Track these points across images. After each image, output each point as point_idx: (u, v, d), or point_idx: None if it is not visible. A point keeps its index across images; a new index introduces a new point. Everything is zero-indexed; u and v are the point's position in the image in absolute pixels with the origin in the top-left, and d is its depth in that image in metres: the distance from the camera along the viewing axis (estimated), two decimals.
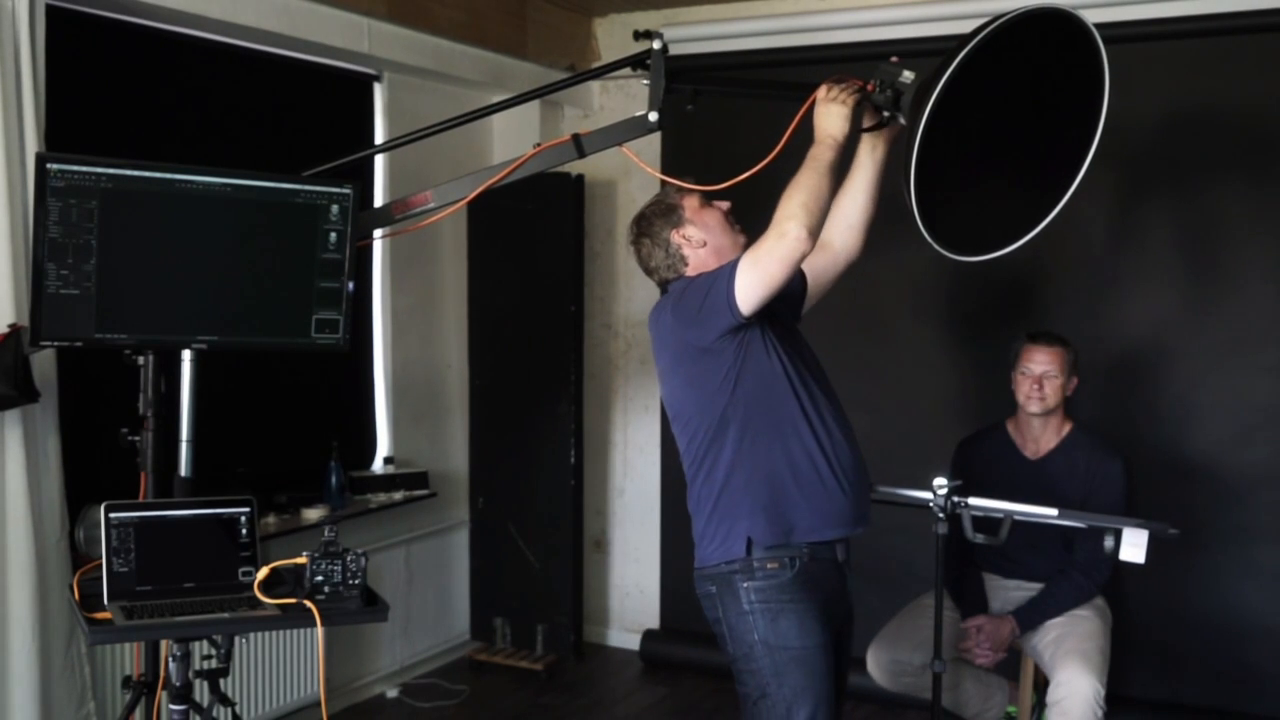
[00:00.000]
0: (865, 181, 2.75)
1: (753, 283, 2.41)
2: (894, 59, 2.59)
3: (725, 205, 2.73)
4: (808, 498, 2.53)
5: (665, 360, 2.65)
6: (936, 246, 2.49)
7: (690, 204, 2.69)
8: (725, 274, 2.47)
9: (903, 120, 2.56)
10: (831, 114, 2.53)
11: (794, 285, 2.62)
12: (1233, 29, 3.85)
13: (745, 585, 2.52)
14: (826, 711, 2.50)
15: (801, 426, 2.54)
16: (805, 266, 2.63)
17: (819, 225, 2.42)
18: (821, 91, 2.57)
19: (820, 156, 2.48)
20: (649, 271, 2.75)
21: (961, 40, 2.34)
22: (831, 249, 2.75)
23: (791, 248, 2.37)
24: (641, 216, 2.76)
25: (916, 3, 4.22)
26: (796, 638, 2.49)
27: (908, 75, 2.53)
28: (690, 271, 2.67)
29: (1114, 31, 3.72)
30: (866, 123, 2.68)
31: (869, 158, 2.74)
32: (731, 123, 4.18)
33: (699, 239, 2.67)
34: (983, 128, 2.52)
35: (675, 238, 2.67)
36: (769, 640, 2.50)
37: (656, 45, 2.76)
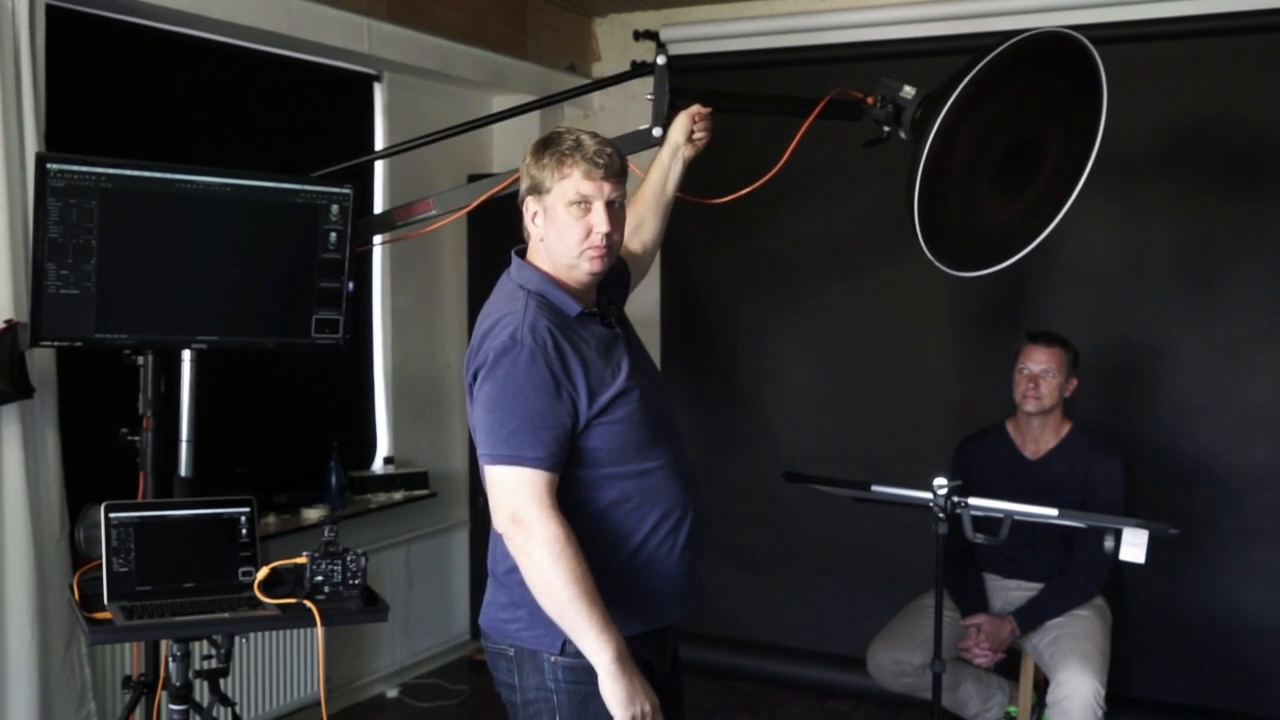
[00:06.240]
0: (655, 197, 2.50)
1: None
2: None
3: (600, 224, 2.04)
4: None
5: None
6: (938, 264, 2.49)
7: (564, 181, 2.04)
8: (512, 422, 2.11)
9: (903, 135, 2.56)
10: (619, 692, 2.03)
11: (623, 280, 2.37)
12: (1233, 29, 3.84)
13: None
14: None
15: None
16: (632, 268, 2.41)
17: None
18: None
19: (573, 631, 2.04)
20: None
21: (965, 65, 2.35)
22: (636, 255, 2.48)
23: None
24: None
25: (917, 3, 4.22)
26: None
27: (908, 90, 2.52)
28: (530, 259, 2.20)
29: (1114, 32, 3.73)
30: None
31: (661, 176, 2.53)
32: (735, 133, 4.17)
33: (540, 230, 2.14)
34: (982, 142, 2.52)
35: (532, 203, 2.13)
36: None
37: (661, 60, 2.73)
